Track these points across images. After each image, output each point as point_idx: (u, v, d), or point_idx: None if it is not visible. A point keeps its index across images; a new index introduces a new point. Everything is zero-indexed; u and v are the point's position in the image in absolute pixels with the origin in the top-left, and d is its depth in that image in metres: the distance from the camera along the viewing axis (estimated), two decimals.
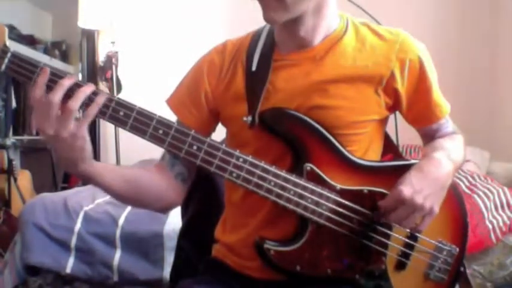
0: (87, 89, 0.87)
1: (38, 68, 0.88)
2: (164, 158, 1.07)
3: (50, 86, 0.86)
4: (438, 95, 1.08)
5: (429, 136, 1.11)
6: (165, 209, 1.11)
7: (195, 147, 0.94)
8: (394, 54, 1.02)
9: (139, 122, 0.92)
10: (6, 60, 0.87)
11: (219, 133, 1.14)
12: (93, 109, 0.87)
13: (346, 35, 1.04)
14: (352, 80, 1.01)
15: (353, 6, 1.17)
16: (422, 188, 0.93)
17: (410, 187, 0.92)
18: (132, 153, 2.89)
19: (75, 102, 0.85)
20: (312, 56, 1.02)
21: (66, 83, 0.86)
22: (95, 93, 0.88)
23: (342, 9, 1.07)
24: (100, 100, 0.88)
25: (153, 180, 1.04)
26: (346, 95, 1.01)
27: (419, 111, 1.07)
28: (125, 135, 0.96)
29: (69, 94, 0.86)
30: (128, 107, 0.92)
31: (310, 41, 1.02)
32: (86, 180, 0.94)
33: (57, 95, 0.85)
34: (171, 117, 1.05)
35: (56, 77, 0.87)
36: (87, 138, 0.88)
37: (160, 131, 0.93)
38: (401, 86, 1.03)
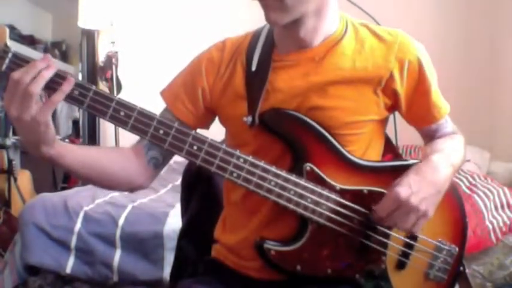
0: (46, 74, 0.85)
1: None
2: (142, 140, 1.06)
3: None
4: (437, 96, 1.08)
5: (429, 136, 1.11)
6: (131, 191, 1.11)
7: (195, 147, 0.94)
8: (393, 55, 1.02)
9: (140, 123, 0.92)
10: (7, 60, 0.87)
11: (219, 133, 1.14)
12: (58, 97, 0.86)
13: (346, 36, 1.04)
14: (351, 82, 1.01)
15: (352, 6, 1.17)
16: (419, 190, 0.93)
17: (407, 188, 0.92)
18: None
19: (35, 86, 0.84)
20: (311, 57, 1.02)
21: (39, 65, 0.85)
22: (61, 79, 0.86)
23: (341, 9, 1.07)
24: (66, 88, 0.86)
25: (121, 163, 1.04)
26: (345, 96, 1.01)
27: (418, 111, 1.08)
28: (124, 135, 0.96)
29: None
30: (129, 107, 0.92)
31: (309, 42, 1.02)
32: (48, 162, 0.93)
33: (27, 77, 0.84)
34: None
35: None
36: (50, 124, 0.86)
37: (161, 131, 0.93)
38: (401, 87, 1.03)
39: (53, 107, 0.86)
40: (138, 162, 1.05)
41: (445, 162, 1.00)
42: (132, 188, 1.08)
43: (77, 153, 0.96)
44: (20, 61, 0.87)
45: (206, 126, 1.12)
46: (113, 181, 1.04)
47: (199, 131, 1.00)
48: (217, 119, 1.12)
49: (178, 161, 1.07)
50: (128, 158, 1.05)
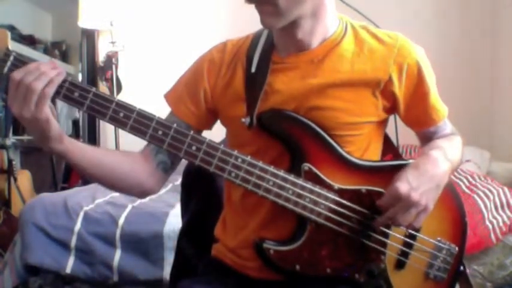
0: (51, 73, 0.87)
1: None
2: (150, 144, 1.07)
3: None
4: (436, 99, 1.08)
5: (427, 138, 1.12)
6: (141, 196, 1.12)
7: (194, 148, 0.95)
8: (392, 58, 1.02)
9: (139, 123, 0.93)
10: (9, 64, 0.89)
11: (220, 133, 1.14)
12: (49, 88, 0.87)
13: (345, 38, 1.04)
14: (349, 84, 1.01)
15: (351, 9, 1.17)
16: (419, 185, 0.93)
17: (406, 184, 0.93)
18: None
19: (37, 84, 0.85)
20: (310, 60, 1.03)
21: (51, 73, 0.86)
22: (56, 73, 0.88)
23: (340, 12, 1.07)
24: (56, 79, 0.87)
25: (130, 165, 1.04)
26: (344, 98, 1.01)
27: (417, 115, 1.08)
28: (124, 135, 0.97)
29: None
30: (128, 109, 0.92)
31: (307, 43, 1.02)
32: (58, 157, 0.95)
33: (30, 76, 0.85)
34: None
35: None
36: (50, 120, 0.87)
37: (160, 132, 0.94)
38: (399, 90, 1.03)
39: (47, 100, 0.86)
40: (147, 166, 1.06)
41: (443, 157, 1.00)
42: (141, 191, 1.09)
43: (87, 151, 0.98)
44: (22, 64, 0.89)
45: (209, 127, 1.13)
46: (121, 182, 1.04)
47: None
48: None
49: None
50: (137, 161, 1.06)
